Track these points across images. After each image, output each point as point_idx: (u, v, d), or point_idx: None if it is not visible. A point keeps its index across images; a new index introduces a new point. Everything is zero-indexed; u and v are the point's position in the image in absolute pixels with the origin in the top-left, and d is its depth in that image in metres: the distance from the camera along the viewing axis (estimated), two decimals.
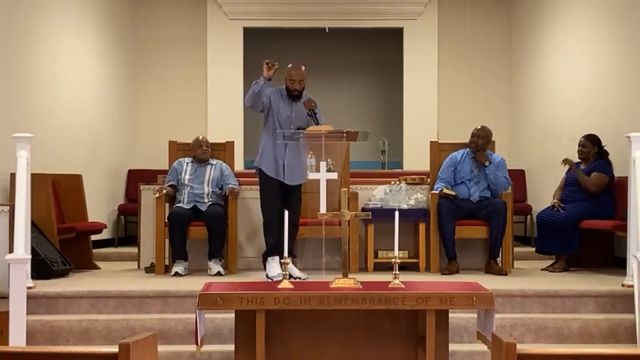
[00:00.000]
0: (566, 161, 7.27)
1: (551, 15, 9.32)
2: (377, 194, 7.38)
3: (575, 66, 8.68)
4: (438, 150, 7.48)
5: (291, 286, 4.47)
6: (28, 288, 5.56)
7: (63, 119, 8.46)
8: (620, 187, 6.93)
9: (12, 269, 5.26)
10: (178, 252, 6.91)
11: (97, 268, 7.49)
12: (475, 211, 7.09)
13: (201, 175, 7.17)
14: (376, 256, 7.17)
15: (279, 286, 4.47)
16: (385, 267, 6.75)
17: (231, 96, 10.51)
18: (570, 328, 5.59)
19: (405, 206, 7.16)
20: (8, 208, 6.09)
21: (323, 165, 5.19)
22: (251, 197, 7.22)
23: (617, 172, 7.08)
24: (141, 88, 10.56)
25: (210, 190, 7.14)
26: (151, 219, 7.14)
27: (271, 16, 10.77)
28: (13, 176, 6.24)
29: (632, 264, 5.78)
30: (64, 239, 7.12)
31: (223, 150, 7.51)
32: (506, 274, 6.86)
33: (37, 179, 6.47)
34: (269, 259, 6.51)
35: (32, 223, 6.27)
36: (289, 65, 6.54)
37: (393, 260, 4.59)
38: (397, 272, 4.52)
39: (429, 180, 7.52)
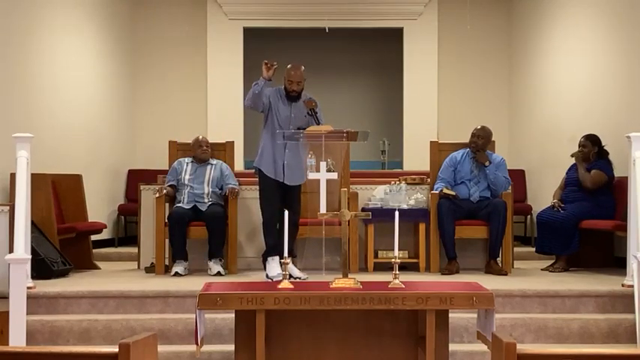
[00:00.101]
0: (575, 154, 7.27)
1: (551, 15, 9.32)
2: (377, 194, 7.38)
3: (575, 66, 8.68)
4: (438, 150, 7.48)
5: (291, 286, 4.47)
6: (28, 288, 5.56)
7: (63, 119, 8.46)
8: (620, 187, 6.93)
9: (12, 269, 5.27)
10: (178, 252, 6.91)
11: (97, 268, 7.49)
12: (475, 211, 7.09)
13: (201, 175, 7.17)
14: (376, 256, 7.17)
15: (279, 286, 4.47)
16: (385, 267, 6.75)
17: (231, 96, 10.51)
18: (570, 328, 5.59)
19: (405, 206, 7.16)
20: (8, 208, 6.09)
21: (323, 165, 5.19)
22: (251, 197, 7.22)
23: (617, 172, 7.08)
24: (141, 88, 10.56)
25: (210, 190, 7.14)
26: (151, 219, 7.14)
27: (271, 16, 10.77)
28: (13, 176, 6.24)
29: (632, 264, 5.78)
30: (64, 239, 7.12)
31: (223, 150, 7.51)
32: (506, 274, 6.86)
33: (37, 179, 6.47)
34: (269, 259, 6.52)
35: (32, 223, 6.27)
36: (288, 66, 6.53)
37: (393, 260, 4.59)
38: (397, 272, 4.52)
39: (429, 180, 7.52)
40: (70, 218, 7.59)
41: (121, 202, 9.90)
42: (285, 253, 4.64)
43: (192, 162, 7.24)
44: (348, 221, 4.79)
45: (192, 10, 10.71)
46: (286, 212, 4.75)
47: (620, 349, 5.16)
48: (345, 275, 4.55)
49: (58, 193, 7.55)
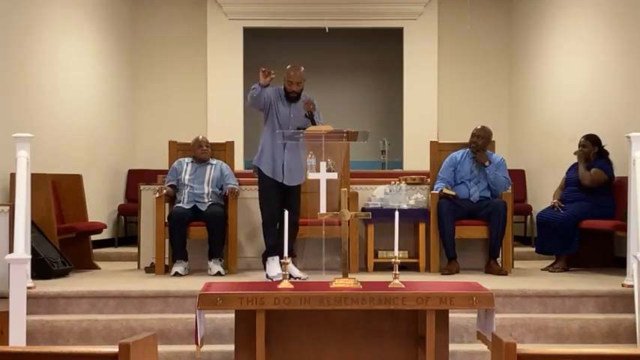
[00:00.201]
0: (577, 152, 7.27)
1: (551, 15, 9.32)
2: (377, 194, 7.38)
3: (575, 66, 8.68)
4: (438, 150, 7.48)
5: (291, 286, 4.47)
6: (28, 288, 5.56)
7: (63, 119, 8.46)
8: (620, 187, 6.93)
9: (12, 269, 5.27)
10: (178, 252, 6.91)
11: (97, 268, 7.49)
12: (475, 211, 7.09)
13: (201, 175, 7.17)
14: (376, 256, 7.17)
15: (279, 286, 4.47)
16: (385, 267, 6.75)
17: (231, 96, 10.51)
18: (570, 328, 5.59)
19: (405, 206, 7.16)
20: (8, 208, 6.09)
21: (323, 165, 5.19)
22: (251, 197, 7.21)
23: (617, 172, 7.08)
24: (141, 88, 10.56)
25: (210, 190, 7.14)
26: (151, 219, 7.14)
27: (271, 16, 10.76)
28: (13, 176, 6.24)
29: (632, 264, 5.78)
30: (64, 239, 7.12)
31: (223, 150, 7.51)
32: (506, 274, 6.86)
33: (37, 179, 6.47)
34: (269, 259, 6.51)
35: (32, 223, 6.27)
36: (288, 66, 6.53)
37: (393, 260, 4.59)
38: (397, 272, 4.52)
39: (429, 180, 7.51)
40: (70, 218, 7.59)
41: (121, 202, 9.90)
42: (285, 253, 4.64)
43: (192, 162, 7.24)
44: (348, 221, 4.79)
45: (192, 10, 10.71)
46: (286, 212, 4.76)
47: (620, 349, 5.16)
48: (345, 275, 4.55)
49: (58, 193, 7.55)
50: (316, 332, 4.58)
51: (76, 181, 7.75)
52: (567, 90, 8.83)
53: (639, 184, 5.82)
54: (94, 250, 7.86)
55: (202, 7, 10.68)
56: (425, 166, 7.82)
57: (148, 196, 7.40)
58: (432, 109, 10.68)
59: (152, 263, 7.08)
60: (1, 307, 5.40)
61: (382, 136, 11.44)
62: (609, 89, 7.86)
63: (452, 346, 4.83)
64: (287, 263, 4.65)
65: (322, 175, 5.16)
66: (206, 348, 5.12)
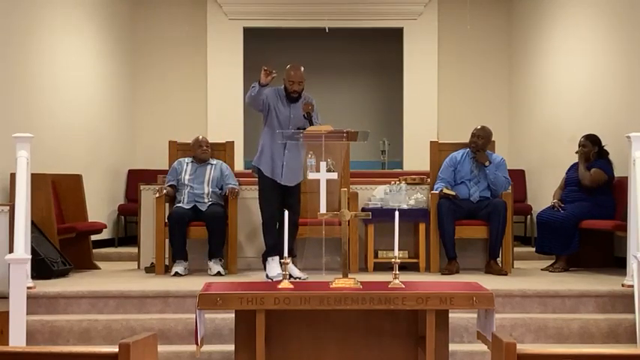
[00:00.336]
0: (579, 152, 7.27)
1: (551, 15, 9.32)
2: (377, 194, 7.38)
3: (575, 66, 8.68)
4: (438, 150, 7.48)
5: (291, 286, 4.47)
6: (28, 288, 5.56)
7: (63, 119, 8.46)
8: (620, 187, 6.93)
9: (12, 269, 5.27)
10: (178, 252, 6.91)
11: (97, 268, 7.49)
12: (475, 211, 7.09)
13: (201, 175, 7.17)
14: (376, 256, 7.17)
15: (279, 286, 4.47)
16: (385, 267, 6.75)
17: (231, 96, 10.51)
18: (570, 328, 5.59)
19: (405, 206, 7.16)
20: (8, 208, 6.09)
21: (323, 165, 5.19)
22: (251, 197, 7.21)
23: (617, 172, 7.08)
24: (141, 88, 10.56)
25: (210, 190, 7.14)
26: (151, 219, 7.14)
27: (271, 16, 10.76)
28: (13, 176, 6.24)
29: (632, 264, 5.78)
30: (64, 239, 7.12)
31: (223, 150, 7.51)
32: (506, 274, 6.86)
33: (37, 179, 6.47)
34: (269, 259, 6.51)
35: (32, 223, 6.26)
36: (288, 66, 6.53)
37: (393, 260, 4.59)
38: (397, 272, 4.52)
39: (429, 180, 7.51)
40: (70, 218, 7.59)
41: (121, 202, 9.90)
42: (285, 253, 4.64)
43: (192, 162, 7.24)
44: (348, 221, 4.79)
45: (192, 10, 10.71)
46: (286, 212, 4.76)
47: (620, 349, 5.16)
48: (345, 275, 4.55)
49: (58, 193, 7.55)
50: (316, 332, 4.58)
51: (76, 181, 7.75)
52: (567, 90, 8.83)
53: (639, 184, 5.82)
54: (94, 250, 7.86)
55: (202, 7, 10.68)
56: (425, 166, 7.82)
57: (148, 196, 7.41)
58: (432, 109, 10.68)
59: (152, 263, 7.09)
60: (1, 307, 5.40)
61: (382, 136, 11.44)
62: (609, 89, 7.86)
63: (452, 346, 4.83)
64: (287, 263, 4.65)
65: (322, 175, 5.16)
66: (206, 348, 5.12)
